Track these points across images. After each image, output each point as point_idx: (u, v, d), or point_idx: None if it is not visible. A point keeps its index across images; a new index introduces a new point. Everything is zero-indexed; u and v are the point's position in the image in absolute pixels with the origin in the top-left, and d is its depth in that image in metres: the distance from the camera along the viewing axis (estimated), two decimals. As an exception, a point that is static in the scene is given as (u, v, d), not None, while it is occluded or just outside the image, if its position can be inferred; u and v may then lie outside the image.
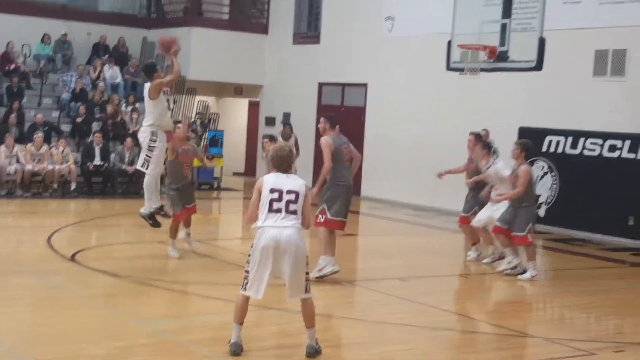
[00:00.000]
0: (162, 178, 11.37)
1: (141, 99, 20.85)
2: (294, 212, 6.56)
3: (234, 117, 24.76)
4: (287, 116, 22.08)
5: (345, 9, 20.74)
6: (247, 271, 6.62)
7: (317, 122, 22.82)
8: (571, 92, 15.64)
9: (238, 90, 24.36)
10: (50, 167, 16.98)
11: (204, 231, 13.40)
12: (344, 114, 20.53)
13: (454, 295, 10.29)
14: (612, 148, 14.68)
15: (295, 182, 6.65)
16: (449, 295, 10.16)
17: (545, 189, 15.57)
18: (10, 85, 19.27)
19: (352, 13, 20.51)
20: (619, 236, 14.37)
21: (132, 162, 17.02)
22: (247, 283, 6.60)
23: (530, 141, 11.28)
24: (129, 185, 17.93)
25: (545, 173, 15.62)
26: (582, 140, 15.13)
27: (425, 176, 16.21)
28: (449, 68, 15.98)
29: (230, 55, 22.40)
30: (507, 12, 14.22)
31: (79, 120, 19.16)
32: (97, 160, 17.76)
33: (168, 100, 10.41)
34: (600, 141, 14.87)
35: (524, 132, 15.68)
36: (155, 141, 10.02)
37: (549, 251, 13.76)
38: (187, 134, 11.40)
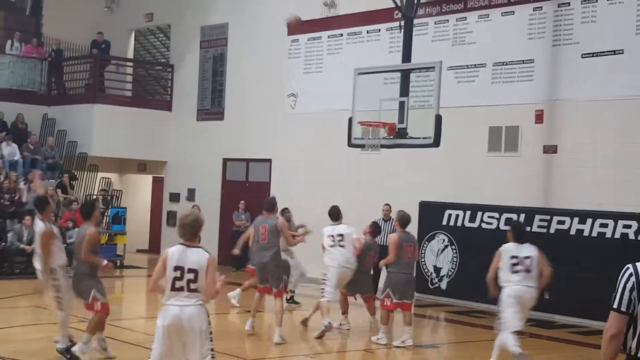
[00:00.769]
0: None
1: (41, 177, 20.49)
2: (195, 290, 6.59)
3: (137, 194, 24.53)
4: (191, 192, 22.04)
5: (248, 85, 21.02)
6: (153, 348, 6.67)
7: (222, 197, 22.87)
8: (468, 167, 16.17)
9: (142, 167, 24.21)
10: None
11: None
12: (248, 189, 20.65)
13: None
14: (509, 221, 15.13)
15: (197, 257, 6.63)
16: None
17: (446, 261, 15.92)
18: None
19: (256, 89, 20.80)
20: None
21: (30, 242, 16.61)
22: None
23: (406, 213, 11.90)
24: (27, 265, 17.46)
25: (446, 246, 15.99)
26: (479, 213, 15.57)
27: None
28: (350, 144, 16.22)
29: (134, 131, 22.31)
30: (405, 90, 14.66)
31: (-25, 198, 18.69)
32: (-6, 240, 17.31)
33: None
34: (497, 214, 15.34)
35: (424, 207, 16.08)
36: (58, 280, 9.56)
37: (450, 323, 13.99)
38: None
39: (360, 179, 17.87)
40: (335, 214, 12.25)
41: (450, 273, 15.97)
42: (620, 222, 13.63)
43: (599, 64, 14.55)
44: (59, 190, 20.23)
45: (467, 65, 16.41)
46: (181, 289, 6.57)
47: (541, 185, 15.26)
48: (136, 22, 24.77)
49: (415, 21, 15.09)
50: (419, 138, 14.30)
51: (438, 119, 13.67)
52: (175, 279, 6.57)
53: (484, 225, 15.52)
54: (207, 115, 22.27)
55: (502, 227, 15.21)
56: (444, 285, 15.87)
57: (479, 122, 16.03)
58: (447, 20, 16.86)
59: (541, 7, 15.43)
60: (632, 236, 13.44)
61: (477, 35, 16.40)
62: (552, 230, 14.54)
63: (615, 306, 4.47)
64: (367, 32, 18.38)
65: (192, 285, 6.58)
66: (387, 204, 14.66)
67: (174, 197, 22.72)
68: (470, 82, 16.35)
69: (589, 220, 14.06)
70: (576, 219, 14.24)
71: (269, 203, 11.92)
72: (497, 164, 15.80)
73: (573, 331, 13.35)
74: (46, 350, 9.93)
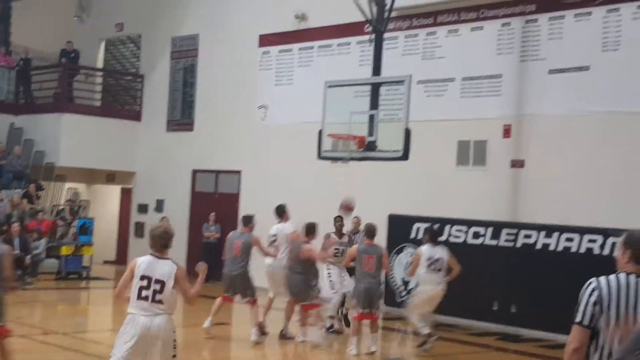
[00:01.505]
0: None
1: (7, 186, 20.32)
2: (160, 302, 6.71)
3: (105, 204, 24.34)
4: (160, 203, 21.93)
5: (219, 96, 20.99)
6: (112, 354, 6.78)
7: (191, 208, 22.76)
8: (436, 181, 16.25)
9: (110, 177, 24.04)
10: None
11: (72, 323, 13.01)
12: (218, 200, 20.59)
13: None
14: (476, 235, 15.25)
15: (165, 268, 6.78)
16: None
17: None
18: None
19: (226, 101, 20.77)
20: (484, 321, 14.80)
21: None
22: None
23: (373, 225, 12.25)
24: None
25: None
26: (448, 227, 15.64)
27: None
28: (320, 156, 16.26)
29: (103, 141, 22.16)
30: (374, 103, 14.72)
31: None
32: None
33: None
34: (465, 228, 15.42)
35: (393, 220, 16.13)
36: None
37: (418, 336, 13.99)
38: None
39: (330, 191, 17.88)
40: (278, 211, 13.15)
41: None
42: (586, 237, 13.76)
43: (565, 79, 14.72)
44: (24, 200, 20.04)
45: (436, 80, 16.53)
46: (146, 298, 6.69)
47: (509, 199, 15.37)
48: (107, 31, 24.65)
49: (386, 35, 15.17)
50: (388, 151, 14.36)
51: (407, 133, 13.74)
52: (142, 287, 6.70)
53: (452, 239, 15.57)
54: (177, 126, 22.19)
55: (470, 240, 15.31)
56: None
57: (447, 136, 16.13)
58: (417, 34, 16.97)
59: (509, 22, 15.59)
60: (597, 250, 13.57)
61: (446, 49, 16.52)
62: (518, 244, 14.65)
63: (577, 320, 4.51)
64: (338, 45, 18.46)
65: (158, 296, 6.70)
66: (356, 217, 14.67)
67: (142, 208, 22.58)
68: (439, 96, 16.46)
69: (555, 235, 14.18)
70: (542, 233, 14.36)
71: (245, 218, 12.71)
72: (466, 178, 15.90)
73: (539, 345, 13.44)
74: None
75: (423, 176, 16.36)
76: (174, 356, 6.86)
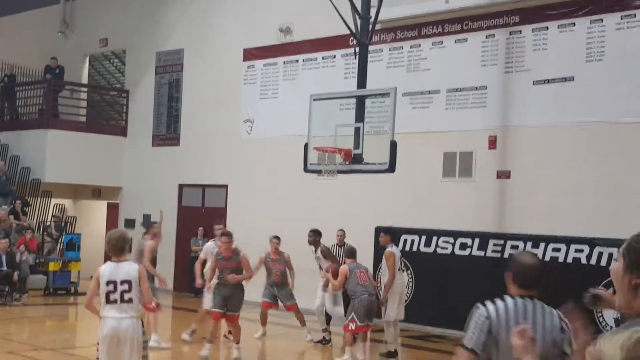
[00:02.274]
0: None
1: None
2: (130, 300, 7.25)
3: (92, 220, 24.27)
4: (147, 218, 21.87)
5: (204, 111, 21.00)
6: (97, 358, 7.44)
7: (178, 223, 22.74)
8: (423, 193, 16.29)
9: (96, 193, 23.98)
10: None
11: (61, 339, 12.95)
12: (205, 215, 20.57)
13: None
14: (463, 246, 15.30)
15: (127, 270, 7.31)
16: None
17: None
18: None
19: (211, 115, 20.78)
20: (473, 331, 14.79)
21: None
22: None
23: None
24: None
25: (402, 271, 16.01)
26: (435, 238, 15.69)
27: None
28: (306, 170, 16.26)
29: (88, 157, 22.13)
30: (360, 116, 14.75)
31: None
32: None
33: None
34: (451, 239, 15.46)
35: (380, 232, 16.12)
36: None
37: (406, 348, 14.01)
38: None
39: (316, 204, 17.92)
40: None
41: (405, 298, 16.01)
42: (573, 247, 13.82)
43: (550, 90, 14.81)
44: (11, 217, 19.95)
45: (421, 92, 16.60)
46: (115, 301, 7.22)
47: (495, 210, 15.44)
48: (91, 47, 24.63)
49: (370, 47, 15.23)
50: (374, 164, 14.38)
51: (393, 145, 13.78)
52: (109, 292, 7.23)
53: (439, 250, 15.63)
54: (163, 141, 22.17)
55: (457, 252, 15.36)
56: (400, 310, 15.89)
57: (433, 147, 16.19)
58: (402, 47, 17.05)
59: (494, 34, 15.69)
60: (584, 260, 13.63)
61: (431, 61, 16.60)
62: (505, 255, 14.70)
63: (468, 345, 4.46)
64: (323, 58, 18.51)
65: (127, 296, 7.23)
66: (342, 230, 14.70)
67: (129, 223, 22.51)
68: (424, 108, 16.53)
69: (542, 245, 14.23)
70: (529, 244, 14.39)
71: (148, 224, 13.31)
72: (452, 189, 15.96)
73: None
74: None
75: (410, 188, 16.40)
76: (145, 357, 7.34)
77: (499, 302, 4.53)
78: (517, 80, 15.26)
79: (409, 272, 16.03)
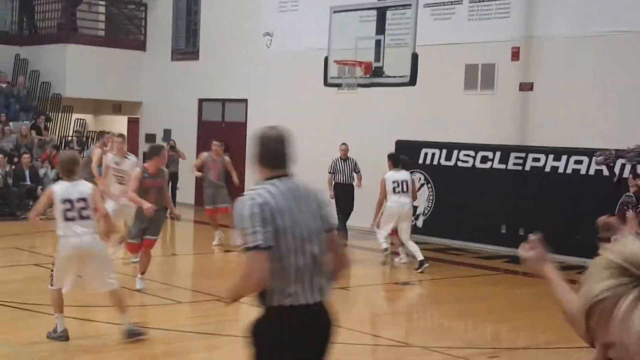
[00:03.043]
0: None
1: (15, 118, 20.32)
2: (88, 217, 7.37)
3: (113, 135, 24.32)
4: (167, 133, 21.92)
5: (223, 25, 20.76)
6: (52, 270, 7.51)
7: (198, 138, 22.71)
8: (444, 106, 16.14)
9: (117, 108, 23.99)
10: None
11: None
12: (225, 129, 20.56)
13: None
14: (484, 159, 15.23)
15: (81, 187, 7.44)
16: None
17: (422, 200, 15.99)
18: None
19: (231, 29, 20.55)
20: (493, 244, 14.89)
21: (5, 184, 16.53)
22: (52, 280, 7.45)
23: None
24: (2, 206, 17.39)
25: (422, 185, 16.05)
26: (455, 152, 15.62)
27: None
28: (326, 84, 16.22)
29: (108, 72, 22.03)
30: (381, 28, 14.58)
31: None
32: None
33: None
34: (472, 153, 15.40)
35: (400, 145, 16.09)
36: None
37: (429, 261, 14.11)
38: None
39: (336, 118, 17.83)
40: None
41: (426, 211, 16.08)
42: (595, 159, 13.70)
43: (575, 0, 14.48)
44: (33, 132, 20.05)
45: (443, 3, 16.27)
46: (73, 219, 7.29)
47: (517, 122, 15.29)
48: (108, -41, 24.28)
49: (392, -43, 14.93)
50: (395, 77, 14.30)
51: (414, 58, 13.66)
52: (66, 210, 7.30)
53: (459, 164, 15.59)
54: (182, 55, 22.02)
55: (478, 165, 15.31)
56: (420, 223, 15.96)
57: (455, 60, 15.95)
58: (424, -44, 16.64)
59: (518, -58, 15.26)
60: (606, 172, 13.53)
61: (453, -29, 16.22)
62: (527, 168, 14.65)
63: (261, 244, 3.93)
64: (343, -32, 18.13)
65: (84, 213, 7.33)
66: (344, 143, 14.56)
67: (150, 138, 22.56)
68: (446, 19, 16.22)
69: (564, 157, 14.16)
70: (551, 156, 14.33)
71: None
72: (473, 102, 15.79)
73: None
74: (22, 292, 9.94)
75: (430, 101, 16.25)
76: (112, 278, 7.51)
77: (260, 189, 4.11)
78: (542, -10, 14.90)
79: (429, 185, 16.05)
